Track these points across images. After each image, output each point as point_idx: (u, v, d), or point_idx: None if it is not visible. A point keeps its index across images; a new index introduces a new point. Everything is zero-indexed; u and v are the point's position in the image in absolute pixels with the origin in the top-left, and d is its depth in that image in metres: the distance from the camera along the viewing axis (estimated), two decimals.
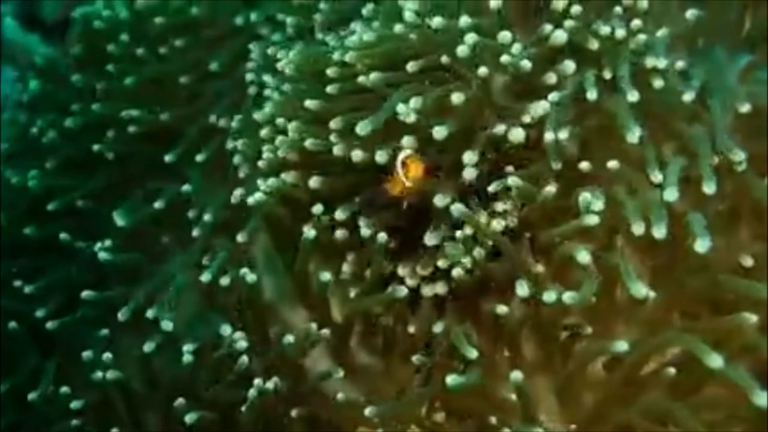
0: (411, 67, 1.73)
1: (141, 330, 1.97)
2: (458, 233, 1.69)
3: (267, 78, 2.07)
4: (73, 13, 2.43)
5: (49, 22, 2.94)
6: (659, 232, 1.58)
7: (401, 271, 1.81)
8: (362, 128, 1.69)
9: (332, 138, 1.77)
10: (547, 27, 1.74)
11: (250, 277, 1.91)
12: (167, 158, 2.16)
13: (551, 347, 1.76)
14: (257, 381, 1.82)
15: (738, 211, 1.72)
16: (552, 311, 1.70)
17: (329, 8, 2.04)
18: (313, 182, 1.84)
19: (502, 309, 1.70)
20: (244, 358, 1.85)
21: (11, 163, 2.30)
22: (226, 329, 1.89)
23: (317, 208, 1.84)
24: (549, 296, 1.61)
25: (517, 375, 1.64)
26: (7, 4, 3.04)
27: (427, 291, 1.80)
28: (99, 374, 1.94)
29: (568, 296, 1.58)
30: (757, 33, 1.83)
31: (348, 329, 1.89)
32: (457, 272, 1.70)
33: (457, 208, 1.67)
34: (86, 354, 1.97)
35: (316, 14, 2.05)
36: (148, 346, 1.91)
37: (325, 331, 1.86)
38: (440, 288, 1.79)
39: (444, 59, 1.73)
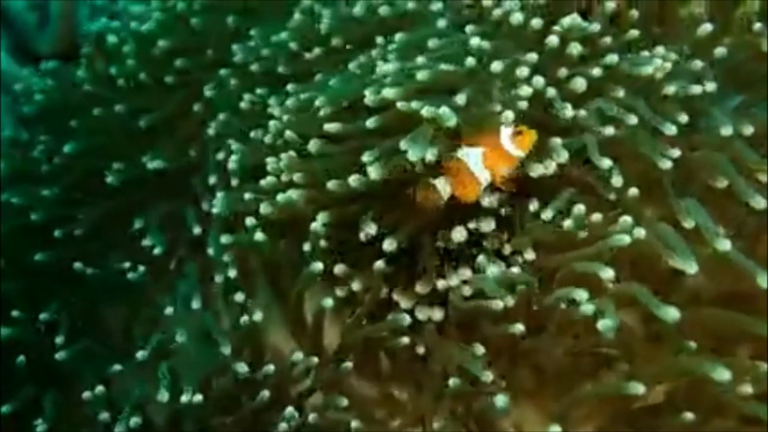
0: (460, 99, 1.66)
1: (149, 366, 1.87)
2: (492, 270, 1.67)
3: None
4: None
5: (43, 55, 2.82)
6: (692, 268, 1.54)
7: (396, 296, 1.76)
8: (414, 154, 1.59)
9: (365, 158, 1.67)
10: (563, 70, 1.73)
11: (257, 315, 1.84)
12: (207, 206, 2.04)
13: (548, 376, 1.70)
14: (289, 410, 1.74)
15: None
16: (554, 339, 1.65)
17: (335, 30, 1.96)
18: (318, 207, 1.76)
19: (518, 328, 1.63)
20: (266, 392, 1.77)
21: (12, 185, 2.17)
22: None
23: (317, 227, 1.75)
24: (587, 308, 1.54)
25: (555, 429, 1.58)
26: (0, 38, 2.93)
27: (422, 315, 1.74)
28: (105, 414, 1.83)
29: (601, 324, 1.50)
30: (751, 74, 1.82)
31: (345, 357, 1.82)
32: (496, 305, 1.64)
33: (493, 271, 1.65)
34: (89, 391, 1.86)
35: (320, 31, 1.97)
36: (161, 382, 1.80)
37: (348, 365, 1.79)
38: (437, 314, 1.74)
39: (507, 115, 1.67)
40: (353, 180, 1.68)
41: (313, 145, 1.75)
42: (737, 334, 1.63)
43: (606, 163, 1.63)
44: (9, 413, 1.90)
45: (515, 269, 1.66)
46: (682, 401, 1.61)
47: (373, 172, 1.64)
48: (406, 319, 1.72)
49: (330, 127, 1.74)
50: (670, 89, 1.69)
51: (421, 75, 1.67)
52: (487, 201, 1.69)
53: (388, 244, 1.69)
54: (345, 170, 1.70)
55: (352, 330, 1.81)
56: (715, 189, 1.66)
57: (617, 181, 1.64)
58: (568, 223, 1.63)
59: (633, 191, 1.66)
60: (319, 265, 1.77)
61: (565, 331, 1.65)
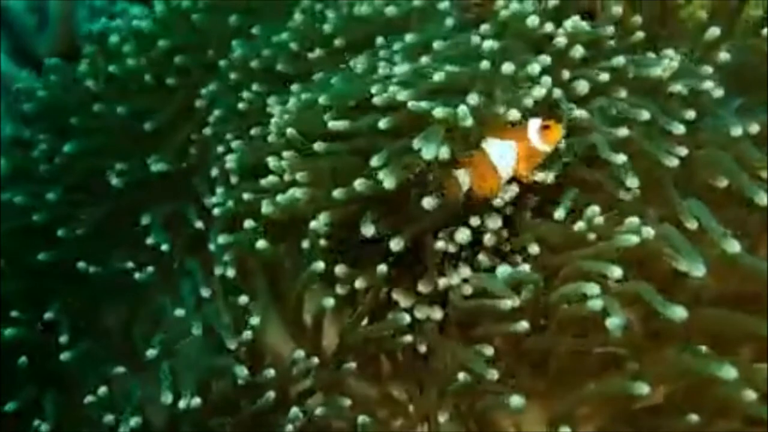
0: (472, 100, 1.64)
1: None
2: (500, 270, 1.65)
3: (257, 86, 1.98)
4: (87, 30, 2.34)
5: (42, 57, 2.80)
6: (699, 270, 1.52)
7: (395, 295, 1.76)
8: (428, 152, 1.57)
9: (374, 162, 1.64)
10: (565, 73, 1.72)
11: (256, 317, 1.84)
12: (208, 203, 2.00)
13: (551, 375, 1.69)
14: (294, 410, 1.73)
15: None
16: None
17: (339, 30, 1.93)
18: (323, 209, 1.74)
19: (522, 326, 1.61)
20: (270, 393, 1.76)
21: (13, 184, 2.14)
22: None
23: (318, 226, 1.74)
24: (595, 303, 1.52)
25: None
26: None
27: (421, 314, 1.73)
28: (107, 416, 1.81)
29: (610, 322, 1.49)
30: (750, 77, 1.83)
31: (345, 357, 1.81)
32: (504, 305, 1.62)
33: (503, 271, 1.63)
34: (91, 392, 1.85)
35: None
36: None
37: (351, 365, 1.78)
38: (437, 313, 1.73)
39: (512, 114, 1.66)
40: (359, 184, 1.67)
41: (318, 145, 1.73)
42: (740, 334, 1.62)
43: (620, 158, 1.61)
44: (11, 413, 1.88)
45: (525, 267, 1.65)
46: (684, 401, 1.60)
47: (387, 181, 1.61)
48: (406, 318, 1.71)
49: (336, 125, 1.72)
50: (676, 87, 1.69)
51: (438, 77, 1.64)
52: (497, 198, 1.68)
53: (395, 244, 1.67)
54: (352, 170, 1.68)
55: (352, 330, 1.79)
56: (716, 188, 1.66)
57: (633, 182, 1.62)
58: (580, 225, 1.61)
59: (635, 192, 1.65)
60: (320, 265, 1.75)
61: (569, 330, 1.63)
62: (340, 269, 1.76)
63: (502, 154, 1.61)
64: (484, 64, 1.67)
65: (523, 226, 1.71)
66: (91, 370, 1.90)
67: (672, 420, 1.58)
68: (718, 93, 1.71)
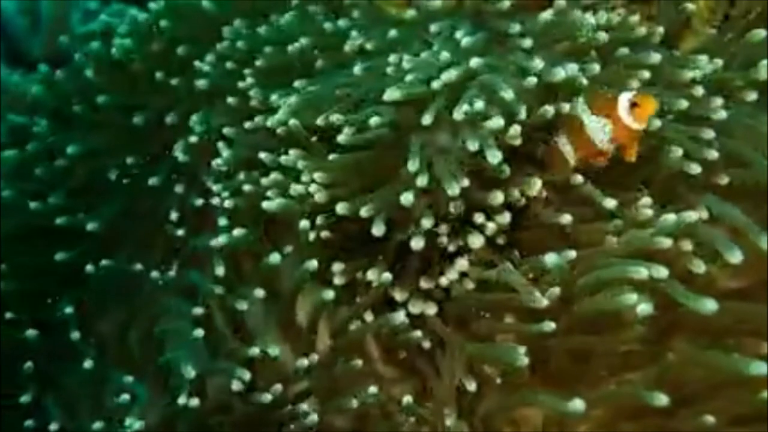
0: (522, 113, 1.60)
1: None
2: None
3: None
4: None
5: (36, 59, 2.75)
6: (736, 257, 1.49)
7: (391, 290, 1.72)
8: (493, 156, 1.53)
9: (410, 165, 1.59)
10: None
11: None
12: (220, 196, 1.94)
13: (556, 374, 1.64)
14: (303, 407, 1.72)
15: None
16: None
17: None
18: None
19: (549, 326, 1.56)
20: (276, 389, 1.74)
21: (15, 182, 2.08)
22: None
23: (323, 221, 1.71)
24: (630, 298, 1.48)
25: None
26: None
27: (416, 309, 1.71)
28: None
29: (640, 309, 1.47)
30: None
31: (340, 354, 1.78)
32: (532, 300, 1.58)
33: (550, 258, 1.57)
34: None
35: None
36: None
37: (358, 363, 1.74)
38: (431, 308, 1.71)
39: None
40: (405, 198, 1.59)
41: (342, 139, 1.67)
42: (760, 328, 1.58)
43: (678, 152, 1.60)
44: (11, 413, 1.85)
45: (572, 253, 1.59)
46: (694, 400, 1.56)
47: (450, 189, 1.56)
48: (401, 316, 1.69)
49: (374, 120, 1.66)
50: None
51: (506, 94, 1.58)
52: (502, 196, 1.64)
53: (415, 243, 1.64)
54: (376, 168, 1.65)
55: (349, 323, 1.76)
56: (719, 186, 1.65)
57: (695, 168, 1.60)
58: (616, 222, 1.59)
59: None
60: (313, 263, 1.72)
61: (585, 327, 1.60)
62: (338, 266, 1.72)
63: (598, 130, 1.58)
64: (532, 82, 1.63)
65: (539, 219, 1.68)
66: (99, 372, 1.86)
67: (680, 420, 1.55)
68: (752, 96, 1.72)
